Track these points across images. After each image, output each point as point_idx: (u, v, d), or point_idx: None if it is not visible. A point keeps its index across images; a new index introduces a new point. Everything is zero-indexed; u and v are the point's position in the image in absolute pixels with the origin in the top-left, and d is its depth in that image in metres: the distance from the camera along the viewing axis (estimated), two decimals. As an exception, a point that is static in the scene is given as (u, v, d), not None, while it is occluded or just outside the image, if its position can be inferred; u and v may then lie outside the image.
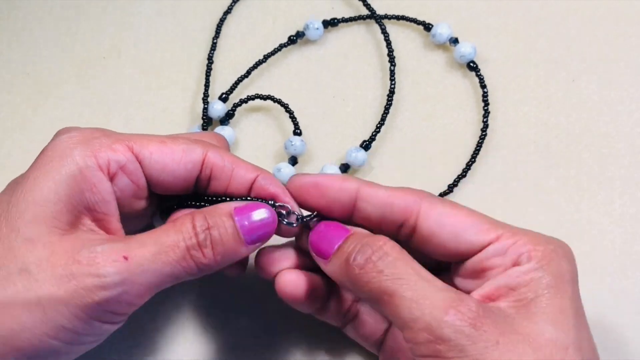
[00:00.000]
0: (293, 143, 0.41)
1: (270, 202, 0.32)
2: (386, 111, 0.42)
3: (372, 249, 0.29)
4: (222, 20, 0.45)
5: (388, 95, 0.42)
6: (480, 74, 0.42)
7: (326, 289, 0.34)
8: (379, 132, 0.41)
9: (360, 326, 0.34)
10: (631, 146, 0.41)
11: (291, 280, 0.33)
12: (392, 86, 0.42)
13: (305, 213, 0.33)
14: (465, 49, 0.42)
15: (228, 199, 0.33)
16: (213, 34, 0.45)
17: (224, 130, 0.41)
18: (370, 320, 0.34)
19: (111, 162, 0.31)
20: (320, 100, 0.43)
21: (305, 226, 0.33)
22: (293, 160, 0.41)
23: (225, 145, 0.36)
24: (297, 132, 0.41)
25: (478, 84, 0.42)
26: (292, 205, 0.33)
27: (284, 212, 0.32)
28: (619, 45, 0.43)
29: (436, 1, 0.45)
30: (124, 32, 0.46)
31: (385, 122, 0.42)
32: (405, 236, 0.32)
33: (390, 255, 0.29)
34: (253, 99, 0.42)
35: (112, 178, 0.31)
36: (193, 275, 0.30)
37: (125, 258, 0.28)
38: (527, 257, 0.29)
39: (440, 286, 0.28)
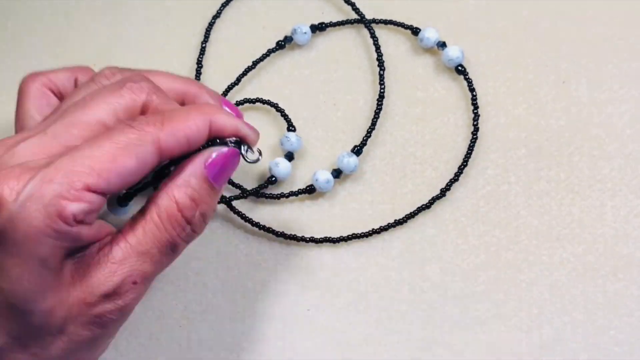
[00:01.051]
0: (289, 139, 0.41)
1: (231, 140, 0.31)
2: (376, 116, 0.42)
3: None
4: (211, 25, 0.45)
5: (378, 100, 0.42)
6: (468, 78, 0.42)
7: None
8: (369, 136, 0.41)
9: None
10: (622, 148, 0.41)
11: None
12: (382, 90, 0.42)
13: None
14: (453, 52, 0.42)
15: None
16: (202, 38, 0.45)
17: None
18: None
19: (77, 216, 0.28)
20: (311, 105, 0.43)
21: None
22: (289, 156, 0.41)
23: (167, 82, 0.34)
24: (291, 128, 0.41)
25: (467, 88, 0.42)
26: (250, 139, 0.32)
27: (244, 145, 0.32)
28: (608, 47, 0.43)
29: (424, 5, 0.45)
30: (114, 38, 0.45)
31: (376, 127, 0.42)
32: None
33: None
34: (242, 104, 0.42)
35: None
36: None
37: (135, 283, 0.29)
38: None
39: None
